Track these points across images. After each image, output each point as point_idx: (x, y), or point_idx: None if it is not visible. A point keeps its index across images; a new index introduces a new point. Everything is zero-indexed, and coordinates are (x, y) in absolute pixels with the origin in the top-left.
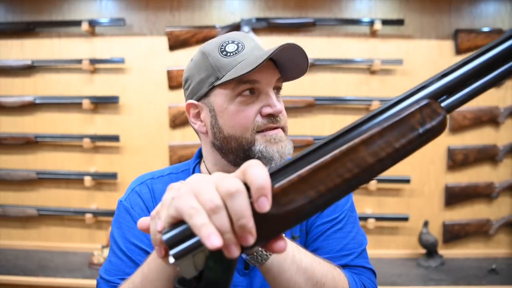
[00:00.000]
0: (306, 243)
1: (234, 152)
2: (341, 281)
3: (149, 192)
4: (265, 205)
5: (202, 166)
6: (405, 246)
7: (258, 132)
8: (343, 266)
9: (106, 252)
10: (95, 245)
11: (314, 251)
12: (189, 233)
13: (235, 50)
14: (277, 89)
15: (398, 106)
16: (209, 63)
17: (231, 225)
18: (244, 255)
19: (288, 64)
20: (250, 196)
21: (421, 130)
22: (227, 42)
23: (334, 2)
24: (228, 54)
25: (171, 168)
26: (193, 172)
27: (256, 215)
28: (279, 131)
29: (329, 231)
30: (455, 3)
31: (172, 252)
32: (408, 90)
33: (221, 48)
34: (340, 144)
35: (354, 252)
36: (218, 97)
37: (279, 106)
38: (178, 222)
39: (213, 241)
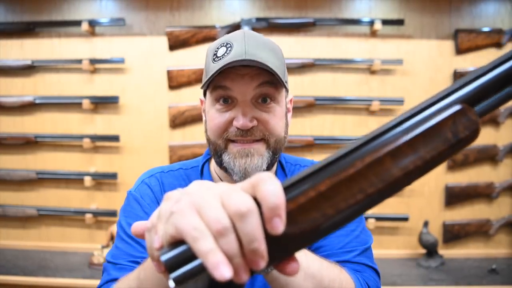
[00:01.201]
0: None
1: (214, 155)
2: (348, 285)
3: (158, 184)
4: (279, 226)
5: (211, 164)
6: (405, 246)
7: (229, 140)
8: (344, 262)
9: (106, 252)
10: (95, 245)
11: (316, 249)
12: (191, 254)
13: (223, 55)
14: (264, 96)
15: (427, 111)
16: (205, 65)
17: (240, 248)
18: None
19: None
20: (260, 213)
21: (453, 140)
22: (221, 45)
23: (334, 2)
24: (216, 58)
25: (180, 164)
26: (202, 171)
27: (268, 235)
28: (253, 144)
29: None
30: (455, 3)
31: (172, 276)
32: (438, 93)
33: (215, 51)
34: (363, 154)
35: (356, 249)
36: (207, 99)
37: (244, 121)
38: (178, 241)
39: (223, 271)
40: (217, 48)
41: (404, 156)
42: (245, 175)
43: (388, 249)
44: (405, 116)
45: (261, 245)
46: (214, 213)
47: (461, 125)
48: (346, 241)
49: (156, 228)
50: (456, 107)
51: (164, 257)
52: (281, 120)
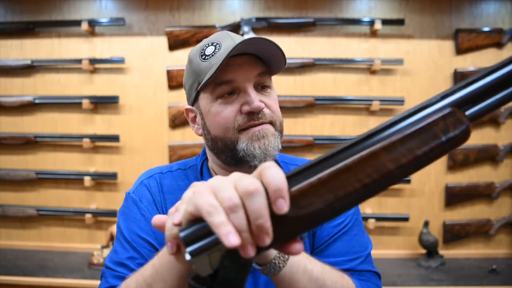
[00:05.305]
0: (314, 245)
1: (224, 152)
2: (349, 287)
3: (157, 186)
4: (283, 206)
5: (209, 164)
6: (405, 246)
7: (241, 130)
8: (349, 270)
9: (106, 252)
10: (95, 245)
11: (320, 252)
12: (207, 231)
13: (212, 52)
14: (262, 84)
15: (420, 113)
16: (192, 69)
17: (248, 225)
18: (257, 266)
19: (270, 56)
20: (268, 198)
21: (444, 139)
22: (207, 45)
23: (334, 2)
24: (206, 57)
25: (179, 164)
26: (202, 168)
27: (274, 216)
28: (264, 126)
29: (336, 235)
30: (455, 3)
31: (189, 249)
32: (431, 97)
33: (201, 52)
34: (361, 149)
35: (360, 256)
36: (203, 101)
37: (257, 102)
38: (195, 219)
39: (231, 239)
40: (203, 49)
41: (397, 151)
42: (265, 156)
43: (388, 249)
44: (400, 116)
45: (267, 222)
46: (227, 193)
47: (451, 126)
48: (350, 246)
49: (178, 209)
50: (447, 110)
51: (182, 233)
52: (278, 105)
